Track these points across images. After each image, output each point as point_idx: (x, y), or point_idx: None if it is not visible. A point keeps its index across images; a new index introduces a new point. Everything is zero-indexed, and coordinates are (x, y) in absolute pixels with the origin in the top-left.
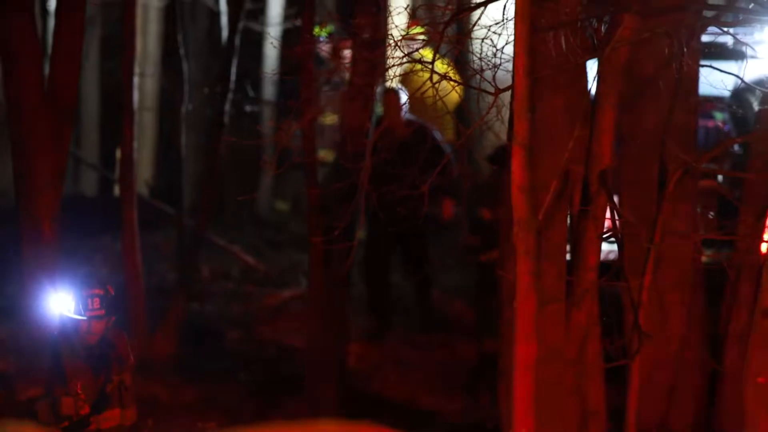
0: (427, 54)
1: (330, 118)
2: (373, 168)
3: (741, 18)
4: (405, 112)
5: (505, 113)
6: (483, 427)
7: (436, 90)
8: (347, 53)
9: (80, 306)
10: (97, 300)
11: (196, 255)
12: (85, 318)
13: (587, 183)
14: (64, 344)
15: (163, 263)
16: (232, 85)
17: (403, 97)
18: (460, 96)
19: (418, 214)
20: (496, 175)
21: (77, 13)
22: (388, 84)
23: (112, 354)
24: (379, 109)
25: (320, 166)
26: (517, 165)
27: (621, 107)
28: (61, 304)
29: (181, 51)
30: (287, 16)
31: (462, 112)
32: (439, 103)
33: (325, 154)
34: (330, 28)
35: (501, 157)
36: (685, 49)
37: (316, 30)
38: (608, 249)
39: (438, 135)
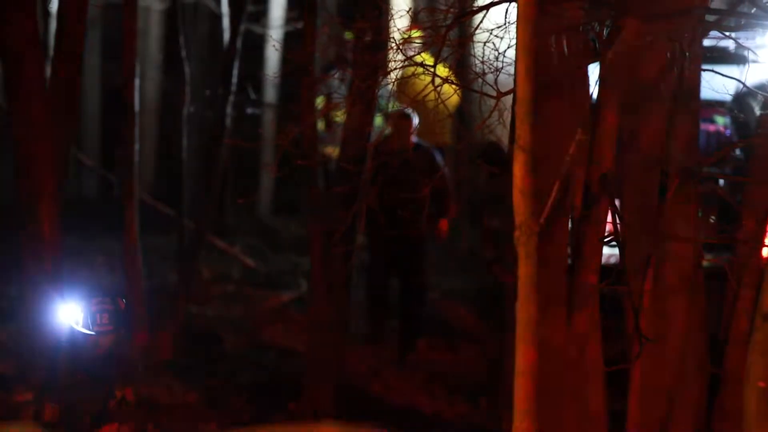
0: (428, 58)
1: (340, 117)
2: (374, 173)
3: (743, 22)
4: (414, 137)
5: (507, 117)
6: (483, 430)
7: (438, 93)
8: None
9: (88, 319)
10: (106, 315)
11: (197, 257)
12: (92, 333)
13: (589, 187)
14: (68, 355)
15: (163, 265)
16: (233, 88)
17: (415, 122)
18: (461, 99)
19: (418, 223)
20: (492, 176)
21: (79, 14)
22: (400, 109)
23: (117, 368)
24: (380, 121)
25: (327, 163)
26: (519, 169)
27: (622, 111)
28: (69, 314)
29: (183, 53)
30: (289, 19)
31: (462, 114)
32: (441, 106)
33: (333, 150)
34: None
35: (493, 155)
36: (686, 54)
37: (347, 34)
38: (609, 253)
39: (439, 157)
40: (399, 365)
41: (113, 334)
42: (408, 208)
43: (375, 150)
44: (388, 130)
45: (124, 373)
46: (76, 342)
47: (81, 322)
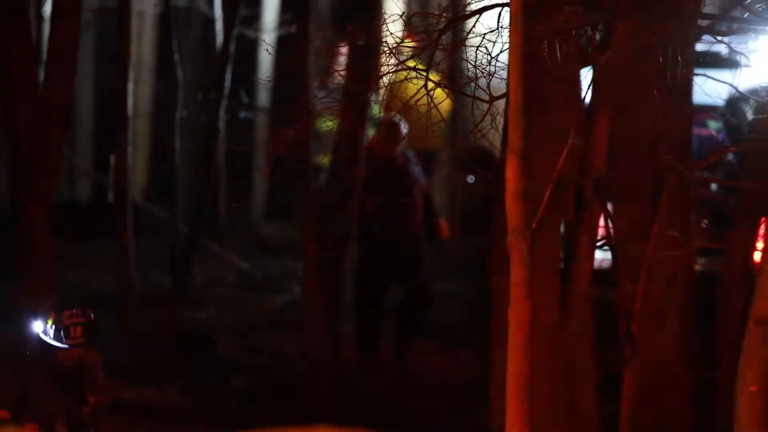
0: (420, 65)
1: (329, 124)
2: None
3: (735, 27)
4: (402, 145)
5: (500, 121)
6: None
7: (431, 98)
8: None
9: (61, 333)
10: (79, 329)
11: (190, 261)
12: (66, 347)
13: (581, 191)
14: (39, 368)
15: (157, 269)
16: (226, 92)
17: (404, 130)
18: (453, 104)
19: (409, 227)
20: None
21: (73, 18)
22: (388, 115)
23: (86, 376)
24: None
25: (317, 171)
26: (512, 173)
27: (615, 115)
28: (40, 328)
29: (176, 57)
30: (282, 23)
31: (455, 119)
32: (433, 111)
33: (322, 159)
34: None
35: (484, 160)
36: (679, 58)
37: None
38: (602, 257)
39: (418, 170)
40: (393, 366)
41: (85, 347)
42: (397, 214)
43: (366, 155)
44: (375, 137)
45: (95, 380)
46: (46, 355)
47: (52, 335)
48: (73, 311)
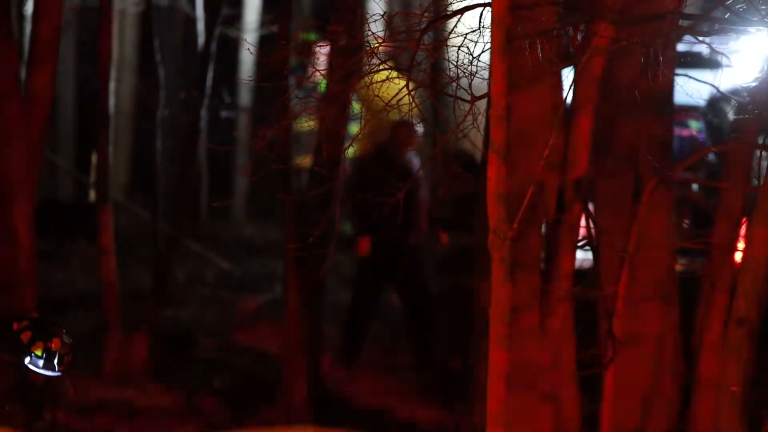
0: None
1: (307, 125)
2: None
3: (716, 27)
4: (416, 147)
5: (481, 121)
6: None
7: (412, 98)
8: (324, 59)
9: (53, 362)
10: (71, 355)
11: (171, 260)
12: (58, 374)
13: (563, 191)
14: (6, 384)
15: (138, 268)
16: (208, 91)
17: (419, 131)
18: (435, 103)
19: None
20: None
21: (54, 17)
22: (401, 118)
23: (47, 390)
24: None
25: (299, 171)
26: (493, 173)
27: (596, 115)
28: (27, 360)
29: (158, 57)
30: (264, 23)
31: (437, 119)
32: (415, 110)
33: (302, 160)
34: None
35: (465, 161)
36: (660, 58)
37: (312, 35)
38: (583, 257)
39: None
40: (418, 369)
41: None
42: (407, 214)
43: (375, 158)
44: (390, 137)
45: (53, 395)
46: (16, 369)
47: (42, 364)
48: (64, 340)
